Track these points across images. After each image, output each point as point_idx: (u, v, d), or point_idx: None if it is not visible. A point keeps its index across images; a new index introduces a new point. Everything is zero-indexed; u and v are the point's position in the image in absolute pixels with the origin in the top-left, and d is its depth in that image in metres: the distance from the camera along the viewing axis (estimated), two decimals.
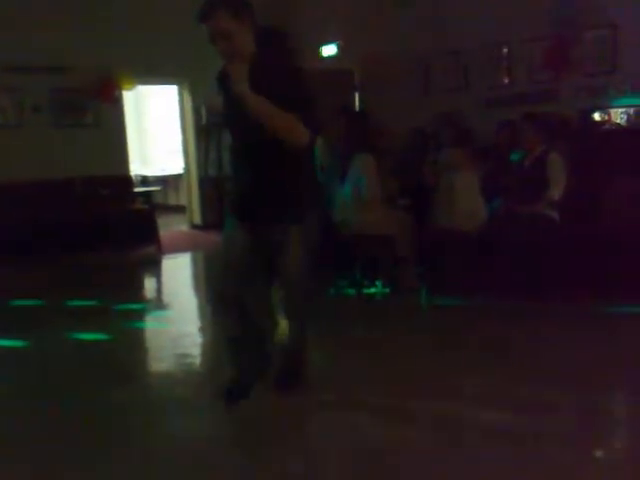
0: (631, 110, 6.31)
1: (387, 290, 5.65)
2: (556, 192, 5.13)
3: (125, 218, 8.21)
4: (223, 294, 3.31)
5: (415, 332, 4.67)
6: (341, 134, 6.24)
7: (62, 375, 4.11)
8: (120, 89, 8.68)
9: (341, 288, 5.83)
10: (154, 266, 7.96)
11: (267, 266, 3.34)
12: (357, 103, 9.10)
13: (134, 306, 5.90)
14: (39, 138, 8.18)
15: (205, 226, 10.01)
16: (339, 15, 8.74)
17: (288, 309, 3.50)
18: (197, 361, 4.45)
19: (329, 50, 9.16)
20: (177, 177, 12.12)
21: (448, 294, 5.30)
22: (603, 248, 4.84)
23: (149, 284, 7.41)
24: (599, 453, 2.94)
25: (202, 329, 5.12)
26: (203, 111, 9.68)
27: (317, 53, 9.19)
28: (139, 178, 11.76)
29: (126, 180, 9.01)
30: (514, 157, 5.98)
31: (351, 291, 5.74)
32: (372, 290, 5.73)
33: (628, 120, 6.32)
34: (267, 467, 2.89)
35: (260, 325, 3.45)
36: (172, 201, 12.75)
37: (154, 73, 8.85)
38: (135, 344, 4.86)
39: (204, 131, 9.81)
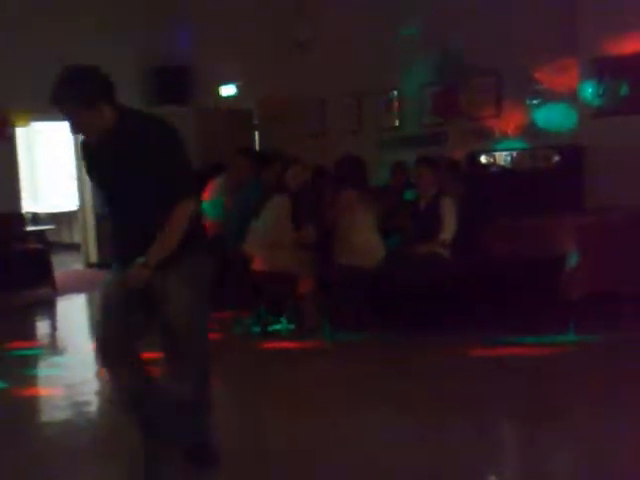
0: (514, 153, 6.78)
1: (291, 327, 5.76)
2: (448, 234, 5.46)
3: (17, 257, 7.93)
4: (105, 346, 3.05)
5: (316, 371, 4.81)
6: (244, 174, 6.39)
7: None
8: (13, 126, 8.44)
9: (246, 326, 5.89)
10: (49, 308, 7.70)
11: (149, 315, 3.06)
12: (256, 142, 9.24)
13: (28, 352, 5.70)
14: None
15: (102, 265, 9.76)
16: (239, 55, 8.89)
17: (177, 369, 3.06)
18: (97, 409, 4.37)
19: (228, 90, 9.28)
20: (71, 214, 11.79)
21: (348, 329, 5.48)
22: (487, 282, 5.18)
23: (43, 327, 7.16)
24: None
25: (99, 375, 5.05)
26: None
27: (216, 92, 9.29)
28: (30, 215, 11.34)
29: (18, 218, 8.70)
30: (408, 196, 6.30)
31: (256, 328, 5.80)
32: (276, 327, 5.82)
33: (512, 162, 6.78)
34: None
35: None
36: (66, 239, 12.36)
37: (49, 110, 8.63)
38: (32, 392, 4.70)
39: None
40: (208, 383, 3.20)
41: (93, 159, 3.07)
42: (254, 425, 3.91)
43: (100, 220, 9.85)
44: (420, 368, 4.67)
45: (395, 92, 7.88)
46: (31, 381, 5.00)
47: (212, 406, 3.22)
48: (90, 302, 8.06)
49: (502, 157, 6.80)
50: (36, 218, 11.76)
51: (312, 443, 3.52)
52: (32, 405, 4.44)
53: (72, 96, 2.83)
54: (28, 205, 11.46)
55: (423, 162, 5.75)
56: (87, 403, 4.38)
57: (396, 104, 7.92)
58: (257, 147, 9.10)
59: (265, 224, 5.61)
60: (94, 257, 10.06)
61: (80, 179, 10.01)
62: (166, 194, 2.91)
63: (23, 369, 5.21)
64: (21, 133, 9.25)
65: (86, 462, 3.46)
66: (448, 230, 5.46)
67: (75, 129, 2.99)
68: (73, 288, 8.42)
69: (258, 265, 5.63)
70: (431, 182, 5.62)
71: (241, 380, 4.72)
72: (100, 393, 4.65)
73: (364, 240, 5.52)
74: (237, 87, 9.21)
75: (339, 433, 3.62)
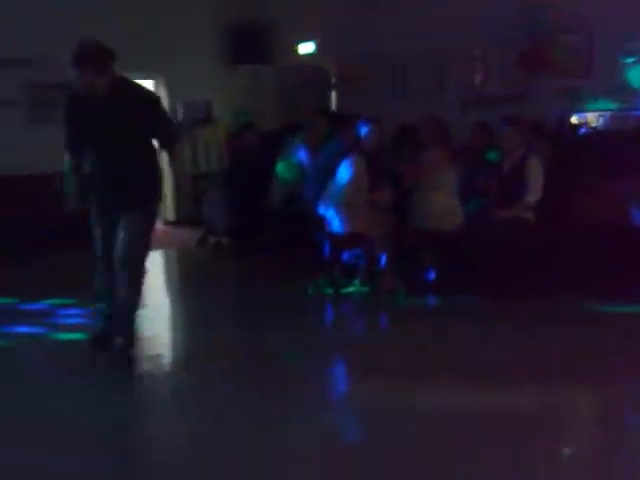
0: (605, 114, 6.44)
1: (365, 289, 5.70)
2: (533, 197, 5.28)
3: None
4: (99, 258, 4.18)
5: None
6: (321, 134, 6.32)
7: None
8: None
9: (319, 286, 5.87)
10: None
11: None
12: (334, 102, 9.11)
13: None
14: (13, 134, 8.03)
15: (178, 222, 9.93)
16: (317, 12, 8.73)
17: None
18: (173, 362, 4.47)
19: (306, 48, 9.15)
20: None
21: (425, 294, 5.38)
22: (573, 247, 4.98)
23: None
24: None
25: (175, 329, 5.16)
26: (179, 107, 9.61)
27: (294, 50, 9.18)
28: None
29: None
30: (491, 157, 6.07)
31: (329, 290, 5.77)
32: (350, 289, 5.78)
33: (602, 123, 6.44)
34: None
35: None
36: None
37: (130, 68, 8.70)
38: None
39: (180, 127, 9.72)
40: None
41: (84, 113, 3.95)
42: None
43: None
44: (504, 335, 4.51)
45: (477, 50, 7.58)
46: None
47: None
48: (168, 259, 8.22)
49: (592, 118, 6.47)
50: None
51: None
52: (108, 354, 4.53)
53: (92, 63, 3.74)
54: None
55: (508, 122, 5.55)
56: (161, 356, 4.49)
57: (479, 62, 7.62)
58: (334, 107, 8.97)
59: (341, 185, 5.53)
60: (171, 215, 10.22)
61: None
62: (153, 141, 4.09)
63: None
64: None
65: (165, 412, 3.55)
66: (534, 192, 5.27)
67: (86, 89, 3.82)
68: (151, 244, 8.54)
69: (334, 226, 5.59)
70: (517, 143, 5.43)
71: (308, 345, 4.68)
72: (174, 346, 4.76)
73: (443, 202, 5.38)
74: (315, 45, 9.06)
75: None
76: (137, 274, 4.08)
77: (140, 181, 4.01)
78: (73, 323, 5.14)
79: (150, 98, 4.13)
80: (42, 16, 7.87)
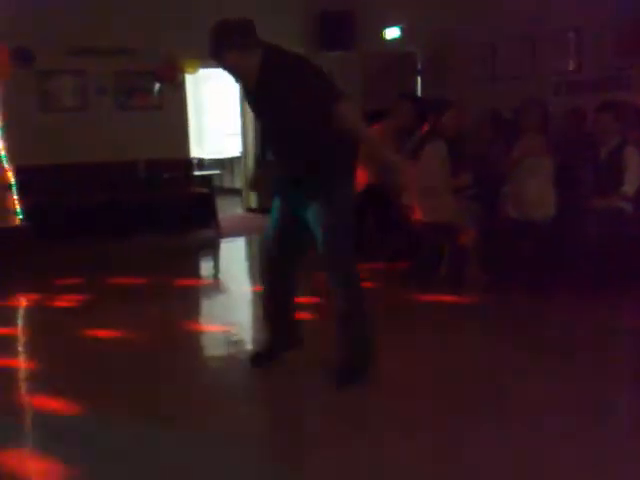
0: None
1: (449, 280, 5.55)
2: (631, 187, 5.01)
3: (185, 201, 8.30)
4: (265, 260, 3.70)
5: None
6: (406, 120, 6.18)
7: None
8: (183, 72, 8.71)
9: (403, 276, 5.76)
10: (213, 249, 8.01)
11: (300, 237, 3.58)
12: (419, 88, 8.94)
13: (193, 289, 6.00)
14: (103, 121, 8.28)
15: (260, 210, 10.00)
16: None
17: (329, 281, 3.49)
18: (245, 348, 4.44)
19: (392, 33, 9.00)
20: (233, 160, 12.14)
21: (514, 286, 5.18)
22: None
23: (208, 267, 7.46)
24: None
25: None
26: None
27: (380, 36, 9.05)
28: (196, 161, 11.82)
29: (187, 163, 9.08)
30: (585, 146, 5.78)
31: (412, 280, 5.62)
32: (434, 279, 5.64)
33: None
34: None
35: (290, 293, 3.70)
36: (228, 184, 12.79)
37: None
38: (195, 327, 4.90)
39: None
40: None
41: (248, 101, 3.52)
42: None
43: (260, 166, 10.03)
44: (603, 333, 4.29)
45: (571, 31, 7.24)
46: (194, 317, 5.22)
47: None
48: (249, 245, 8.31)
49: None
50: (201, 163, 12.25)
51: None
52: (194, 339, 4.60)
53: (227, 45, 3.24)
54: (194, 151, 11.95)
55: (605, 108, 5.24)
56: (243, 342, 4.49)
57: (572, 45, 7.28)
58: (420, 92, 8.79)
59: (422, 171, 5.37)
60: (254, 202, 10.32)
61: (244, 126, 10.24)
62: (318, 110, 3.22)
63: (187, 305, 5.44)
64: (190, 80, 9.52)
65: (245, 398, 3.54)
66: (631, 182, 4.99)
67: (235, 76, 3.38)
68: (234, 231, 8.68)
69: (417, 215, 5.46)
70: (614, 130, 5.13)
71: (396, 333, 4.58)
72: (254, 331, 4.76)
73: (537, 191, 5.13)
74: (401, 30, 8.90)
75: None
76: (340, 275, 3.44)
77: (313, 168, 3.36)
78: None
79: (294, 68, 3.31)
80: (132, 5, 8.04)
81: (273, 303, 3.74)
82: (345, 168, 3.43)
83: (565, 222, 5.04)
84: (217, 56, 3.28)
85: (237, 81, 3.47)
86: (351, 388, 3.40)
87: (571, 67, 7.32)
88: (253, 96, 3.44)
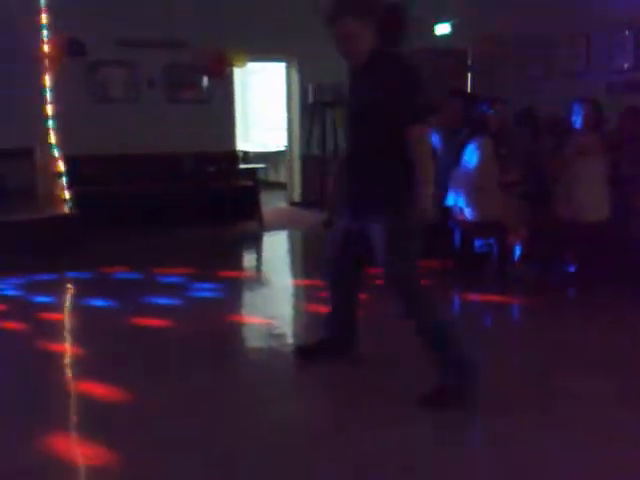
0: None
1: (498, 279, 5.46)
2: None
3: (230, 193, 8.34)
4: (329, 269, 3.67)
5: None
6: (456, 117, 6.08)
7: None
8: (231, 66, 8.75)
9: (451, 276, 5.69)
10: (256, 242, 8.03)
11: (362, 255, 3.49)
12: (469, 85, 8.81)
13: (236, 281, 6.04)
14: (152, 113, 8.36)
15: (304, 204, 10.01)
16: None
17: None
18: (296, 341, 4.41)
19: (443, 29, 8.89)
20: (277, 154, 12.17)
21: (567, 288, 5.08)
22: None
23: (251, 260, 7.48)
24: None
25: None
26: (310, 89, 9.64)
27: (430, 32, 8.94)
28: (241, 154, 11.86)
29: (232, 156, 9.13)
30: None
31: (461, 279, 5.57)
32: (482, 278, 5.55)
33: None
34: None
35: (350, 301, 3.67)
36: (272, 178, 12.83)
37: (264, 50, 8.86)
38: (237, 319, 4.88)
39: (309, 109, 9.78)
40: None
41: (352, 80, 3.29)
42: None
43: (305, 162, 10.07)
44: None
45: (628, 29, 7.04)
46: (237, 309, 5.21)
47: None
48: (292, 239, 8.31)
49: None
50: (246, 157, 12.29)
51: None
52: (237, 331, 4.60)
53: (351, 7, 3.06)
54: (240, 144, 12.00)
55: None
56: (284, 335, 4.46)
57: (630, 42, 7.08)
58: (470, 89, 8.67)
59: (469, 169, 5.28)
60: (298, 197, 10.32)
61: (289, 120, 10.24)
62: (395, 126, 3.06)
63: (230, 297, 5.45)
64: (237, 73, 9.56)
65: (288, 389, 3.54)
66: None
67: (345, 49, 3.14)
68: (278, 225, 8.69)
69: (465, 214, 5.36)
70: None
71: None
72: (296, 325, 4.77)
73: (591, 192, 4.99)
74: (452, 26, 8.78)
75: None
76: (403, 295, 3.23)
77: (379, 181, 3.17)
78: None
79: (403, 76, 3.13)
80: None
81: (338, 301, 3.70)
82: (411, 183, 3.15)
83: (621, 224, 4.90)
84: (335, 21, 3.07)
85: (346, 57, 3.22)
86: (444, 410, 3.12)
87: (626, 66, 7.13)
88: (355, 78, 3.25)
